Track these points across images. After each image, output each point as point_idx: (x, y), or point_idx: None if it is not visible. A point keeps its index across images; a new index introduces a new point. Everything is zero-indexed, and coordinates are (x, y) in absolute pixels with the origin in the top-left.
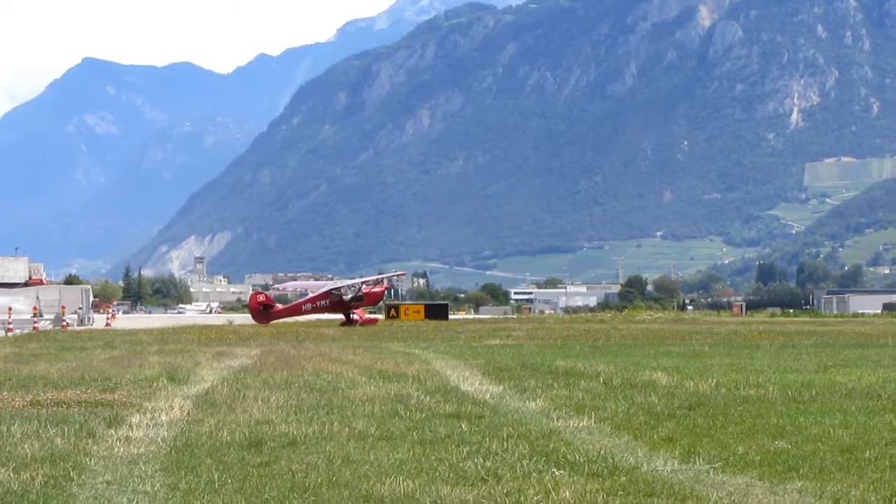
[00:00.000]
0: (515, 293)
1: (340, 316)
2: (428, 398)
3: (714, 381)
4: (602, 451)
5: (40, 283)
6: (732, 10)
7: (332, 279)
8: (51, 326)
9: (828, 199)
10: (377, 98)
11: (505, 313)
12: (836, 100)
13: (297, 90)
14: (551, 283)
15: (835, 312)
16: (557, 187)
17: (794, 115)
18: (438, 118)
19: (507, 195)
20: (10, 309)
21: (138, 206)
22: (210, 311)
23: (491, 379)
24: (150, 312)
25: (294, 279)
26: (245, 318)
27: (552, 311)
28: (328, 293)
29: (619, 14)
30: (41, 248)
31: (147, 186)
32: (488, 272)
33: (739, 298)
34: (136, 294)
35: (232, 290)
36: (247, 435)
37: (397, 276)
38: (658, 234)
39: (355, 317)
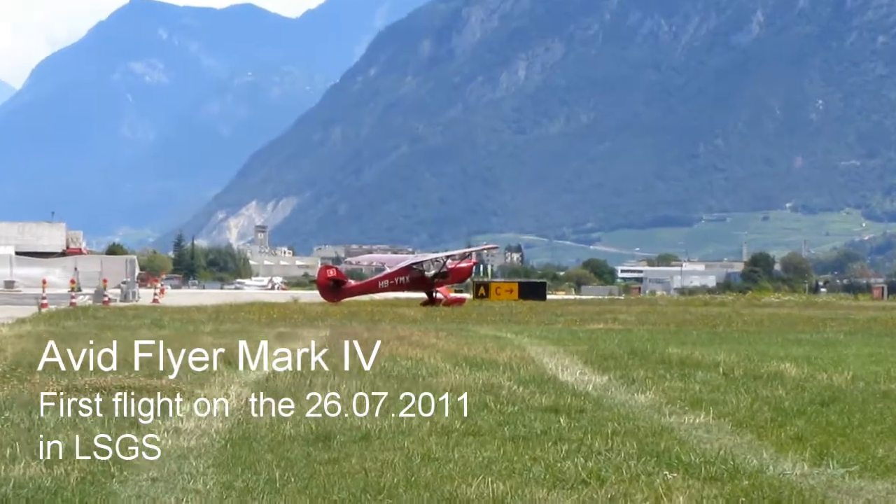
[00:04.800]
0: (623, 271)
1: (422, 294)
2: (521, 389)
3: (850, 373)
4: (721, 452)
5: (79, 252)
6: None
7: (412, 252)
8: (90, 302)
9: None
10: (467, 47)
11: (611, 294)
12: None
13: (375, 37)
14: (664, 259)
15: None
16: (672, 150)
17: None
18: (536, 70)
19: (614, 159)
20: (44, 281)
21: (192, 167)
22: (272, 287)
23: (594, 368)
24: (214, 287)
25: (369, 252)
26: (312, 296)
27: (665, 293)
28: (408, 268)
29: None
30: (81, 212)
31: (202, 144)
32: (592, 247)
33: (880, 280)
34: (189, 267)
35: (298, 263)
36: (313, 428)
37: (488, 249)
38: (787, 205)
39: (439, 295)
